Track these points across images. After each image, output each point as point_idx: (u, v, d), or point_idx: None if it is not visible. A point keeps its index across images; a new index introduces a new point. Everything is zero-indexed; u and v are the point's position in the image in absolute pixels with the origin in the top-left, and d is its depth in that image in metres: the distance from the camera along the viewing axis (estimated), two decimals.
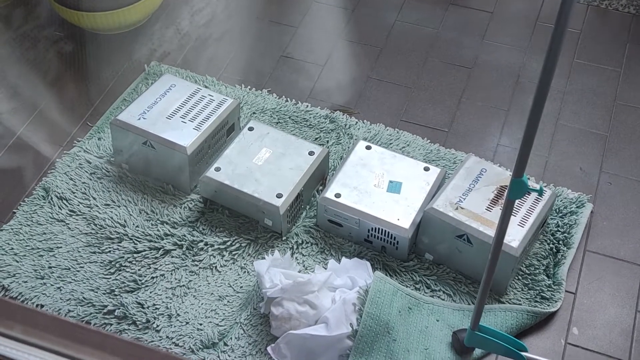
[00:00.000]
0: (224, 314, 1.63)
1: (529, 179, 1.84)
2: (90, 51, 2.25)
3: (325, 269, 1.68)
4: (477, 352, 1.58)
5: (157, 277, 1.69)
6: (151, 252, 1.73)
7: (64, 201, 1.82)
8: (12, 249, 1.74)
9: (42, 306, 1.64)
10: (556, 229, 1.76)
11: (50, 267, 1.70)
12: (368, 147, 1.82)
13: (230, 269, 1.71)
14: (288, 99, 2.09)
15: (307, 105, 2.07)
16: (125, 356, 0.52)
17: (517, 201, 1.65)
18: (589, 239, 1.79)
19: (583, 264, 1.75)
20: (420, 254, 1.73)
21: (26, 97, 2.11)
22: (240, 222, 1.79)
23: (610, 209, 1.85)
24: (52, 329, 0.53)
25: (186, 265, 1.71)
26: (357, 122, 2.02)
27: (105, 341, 0.54)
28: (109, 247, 1.74)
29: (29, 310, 0.58)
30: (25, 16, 2.33)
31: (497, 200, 1.67)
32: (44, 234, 1.76)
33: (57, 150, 1.96)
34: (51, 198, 1.83)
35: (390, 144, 1.96)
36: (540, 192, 1.22)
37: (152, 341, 1.60)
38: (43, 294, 1.66)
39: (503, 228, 1.27)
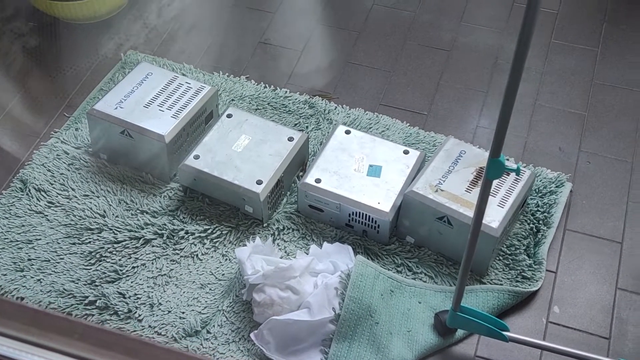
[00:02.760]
0: (206, 301, 1.63)
1: (507, 159, 1.85)
2: (65, 41, 2.23)
3: (307, 254, 1.67)
4: (460, 332, 1.58)
5: (138, 266, 1.68)
6: (131, 242, 1.72)
7: (42, 193, 1.81)
8: None
9: (22, 299, 1.63)
10: (536, 208, 1.77)
11: (29, 260, 1.69)
12: (347, 132, 1.82)
13: (212, 256, 1.71)
14: (266, 85, 2.08)
15: (286, 91, 2.06)
16: (94, 341, 0.51)
17: (496, 182, 1.66)
18: (568, 218, 1.80)
19: (563, 243, 1.76)
20: (401, 237, 1.73)
21: (1, 89, 2.08)
22: (221, 210, 1.78)
23: (590, 188, 1.86)
24: (16, 316, 0.52)
25: (167, 254, 1.70)
26: (336, 107, 2.01)
27: (73, 327, 0.53)
28: (89, 238, 1.72)
29: None
30: None
31: (477, 182, 1.68)
32: (23, 226, 1.75)
33: (34, 142, 1.94)
34: (29, 190, 1.81)
35: (370, 128, 1.95)
36: (518, 172, 1.22)
37: (135, 331, 1.59)
38: (23, 286, 1.65)
39: (481, 208, 1.27)
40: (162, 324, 1.59)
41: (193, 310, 1.61)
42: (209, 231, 1.74)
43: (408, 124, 1.98)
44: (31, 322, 0.51)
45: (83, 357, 0.51)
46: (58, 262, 1.69)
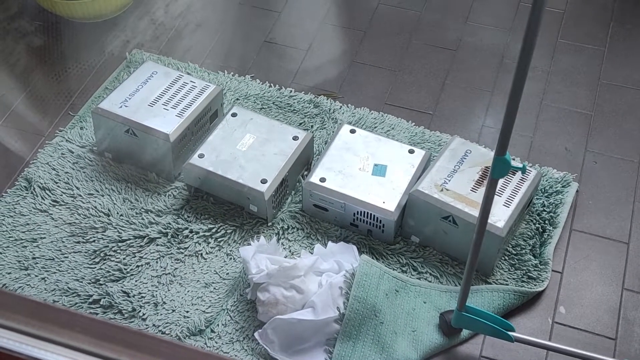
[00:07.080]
0: (210, 300, 1.62)
1: (513, 159, 1.84)
2: (70, 40, 2.23)
3: (312, 253, 1.67)
4: (465, 332, 1.58)
5: (142, 265, 1.68)
6: (136, 241, 1.71)
7: (47, 191, 1.81)
8: None
9: None
10: (542, 208, 1.76)
11: (34, 258, 1.69)
12: (352, 131, 1.81)
13: (216, 255, 1.70)
14: (272, 84, 2.07)
15: (291, 91, 2.05)
16: (96, 334, 0.51)
17: (502, 181, 1.66)
18: (574, 218, 1.79)
19: (569, 243, 1.75)
20: (406, 237, 1.73)
21: (6, 87, 2.08)
22: (225, 209, 1.78)
23: (596, 188, 1.85)
24: (19, 308, 0.52)
25: (171, 253, 1.70)
26: (341, 107, 2.01)
27: (74, 320, 0.52)
28: (93, 237, 1.72)
29: None
30: (3, 5, 2.30)
31: (482, 181, 1.67)
32: (27, 224, 1.75)
33: (39, 141, 1.94)
34: (34, 188, 1.81)
35: (375, 127, 1.95)
36: (523, 170, 1.21)
37: (139, 330, 1.59)
38: (27, 284, 1.64)
39: (487, 207, 1.26)
40: (166, 323, 1.59)
41: (197, 309, 1.61)
42: (214, 230, 1.73)
43: (413, 124, 1.97)
44: (32, 315, 0.51)
45: (84, 349, 0.50)
46: (62, 261, 1.68)
